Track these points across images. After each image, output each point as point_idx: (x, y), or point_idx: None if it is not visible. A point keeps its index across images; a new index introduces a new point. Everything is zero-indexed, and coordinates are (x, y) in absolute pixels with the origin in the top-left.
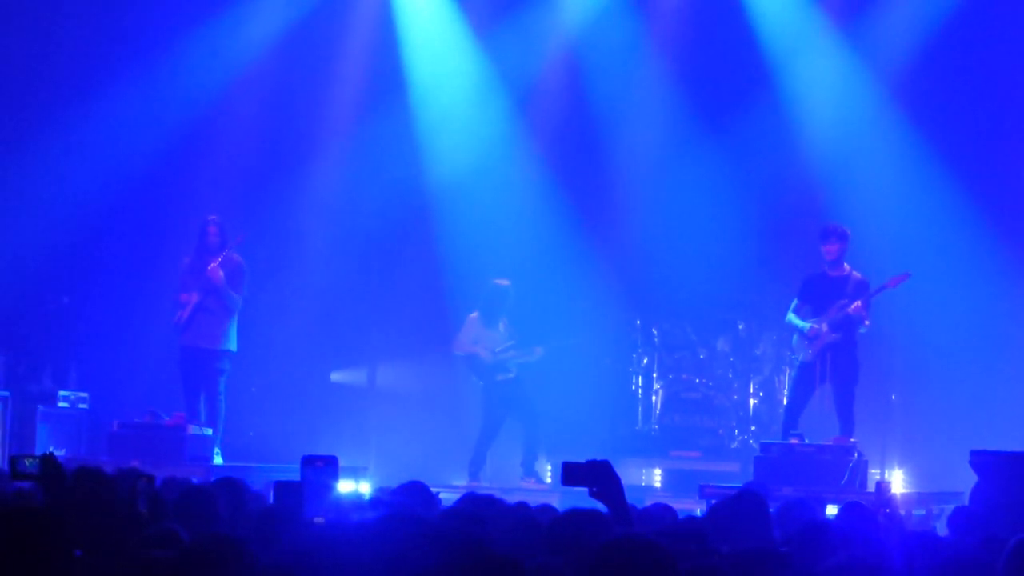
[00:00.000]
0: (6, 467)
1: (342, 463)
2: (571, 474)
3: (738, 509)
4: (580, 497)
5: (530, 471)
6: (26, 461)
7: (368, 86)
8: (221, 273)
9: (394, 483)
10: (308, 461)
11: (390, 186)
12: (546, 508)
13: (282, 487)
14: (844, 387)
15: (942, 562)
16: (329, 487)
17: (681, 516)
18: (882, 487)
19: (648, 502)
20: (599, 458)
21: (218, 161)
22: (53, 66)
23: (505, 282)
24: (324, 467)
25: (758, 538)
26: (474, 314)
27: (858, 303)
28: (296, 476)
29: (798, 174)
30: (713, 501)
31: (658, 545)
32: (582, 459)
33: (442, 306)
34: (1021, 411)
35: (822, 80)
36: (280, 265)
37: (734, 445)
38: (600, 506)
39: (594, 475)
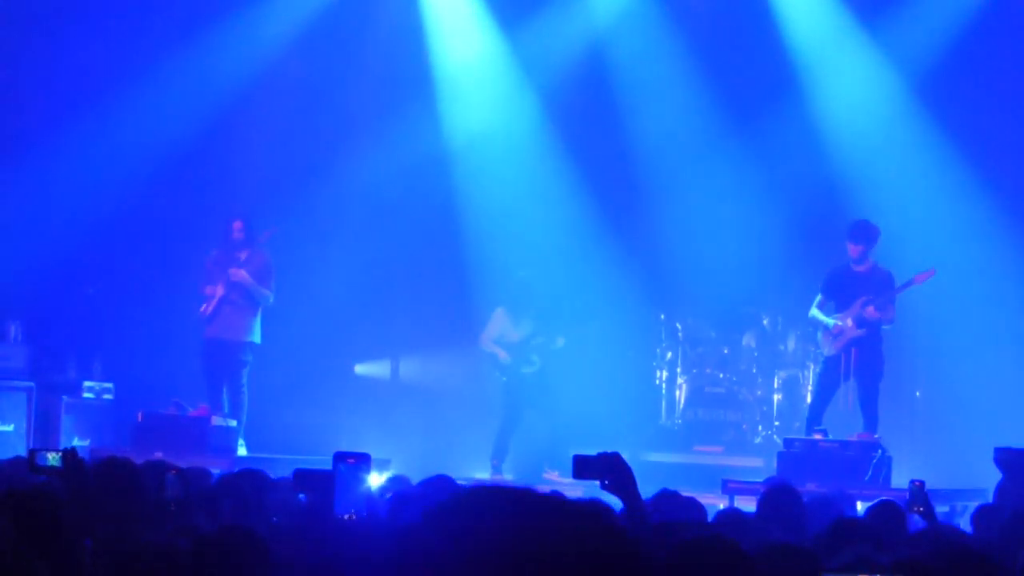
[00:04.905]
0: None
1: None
2: (582, 466)
3: (773, 503)
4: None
5: (553, 464)
6: (48, 455)
7: (393, 80)
8: (244, 273)
9: (417, 475)
10: (340, 457)
11: (414, 180)
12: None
13: (305, 477)
14: (868, 383)
15: (965, 559)
16: (361, 484)
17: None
18: (915, 485)
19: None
20: (610, 450)
21: (243, 154)
22: (79, 59)
23: (530, 273)
24: (356, 464)
25: (793, 533)
26: (500, 309)
27: (871, 308)
28: (318, 467)
29: (824, 171)
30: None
31: (738, 546)
32: (610, 451)
33: (465, 299)
34: None
35: (848, 78)
36: (304, 258)
37: (757, 440)
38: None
39: (605, 467)
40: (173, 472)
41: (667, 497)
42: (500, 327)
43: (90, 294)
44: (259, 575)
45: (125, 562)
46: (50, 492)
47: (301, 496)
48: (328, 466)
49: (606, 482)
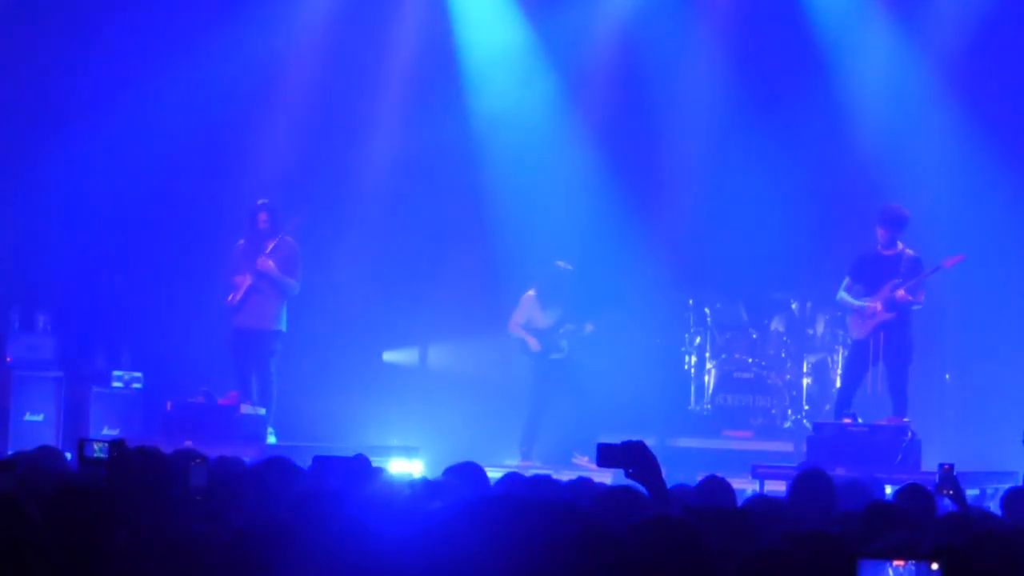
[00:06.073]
0: (62, 447)
1: (394, 443)
2: (606, 455)
3: (804, 488)
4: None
5: (581, 450)
6: (95, 446)
7: (419, 67)
8: (271, 263)
9: (446, 462)
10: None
11: (442, 166)
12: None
13: (324, 463)
14: (897, 366)
15: (998, 543)
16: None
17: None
18: (944, 468)
19: (699, 475)
20: (634, 438)
21: (269, 142)
22: (106, 50)
23: (568, 266)
24: (352, 467)
25: (822, 518)
26: (530, 292)
27: (902, 291)
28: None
29: (851, 154)
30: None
31: (690, 523)
32: (634, 439)
33: (493, 285)
34: None
35: (875, 60)
36: (332, 246)
37: (787, 425)
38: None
39: (630, 455)
40: (197, 461)
41: (714, 482)
42: (528, 312)
43: (118, 284)
44: (296, 567)
45: (160, 553)
46: (100, 486)
47: (324, 482)
48: (353, 453)
49: (630, 471)
